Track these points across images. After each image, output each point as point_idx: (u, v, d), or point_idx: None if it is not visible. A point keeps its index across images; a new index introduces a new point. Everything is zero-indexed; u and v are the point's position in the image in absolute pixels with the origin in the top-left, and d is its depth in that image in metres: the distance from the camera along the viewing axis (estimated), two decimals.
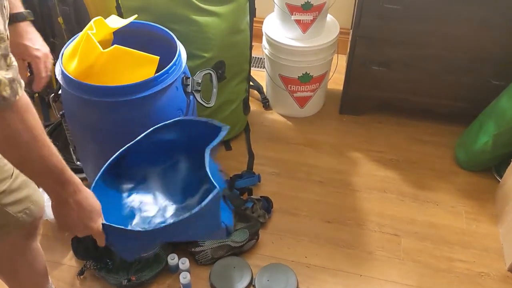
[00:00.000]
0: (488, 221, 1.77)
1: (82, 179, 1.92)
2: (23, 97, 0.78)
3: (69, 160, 1.82)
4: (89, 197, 0.97)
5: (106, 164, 1.18)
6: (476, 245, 1.69)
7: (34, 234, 1.24)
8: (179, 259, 1.57)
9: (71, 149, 1.68)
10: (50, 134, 1.95)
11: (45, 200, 1.57)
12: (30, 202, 1.11)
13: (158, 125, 1.25)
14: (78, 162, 1.70)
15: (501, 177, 1.83)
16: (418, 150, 2.05)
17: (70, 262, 1.63)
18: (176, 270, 1.59)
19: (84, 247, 1.61)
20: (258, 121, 2.19)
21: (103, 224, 1.01)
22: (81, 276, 1.58)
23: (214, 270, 1.58)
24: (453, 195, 1.86)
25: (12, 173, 1.06)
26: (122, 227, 1.04)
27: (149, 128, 1.44)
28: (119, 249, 1.17)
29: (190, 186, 1.21)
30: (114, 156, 1.19)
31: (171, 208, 1.25)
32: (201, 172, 1.17)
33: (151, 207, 1.26)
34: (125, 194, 1.26)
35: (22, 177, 1.10)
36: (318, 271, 1.62)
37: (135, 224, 1.22)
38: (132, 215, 1.23)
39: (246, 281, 1.55)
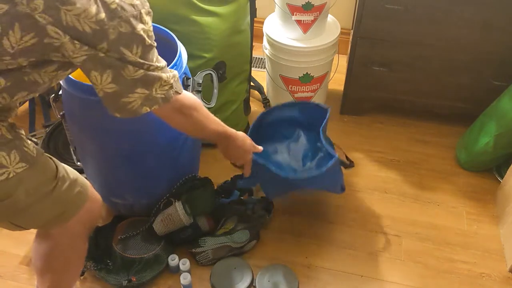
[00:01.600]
0: (489, 222, 1.77)
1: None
2: (191, 95, 1.21)
3: (69, 160, 1.82)
4: (245, 140, 1.45)
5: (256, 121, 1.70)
6: (477, 246, 1.69)
7: (92, 222, 1.29)
8: (179, 259, 1.57)
9: (71, 149, 1.67)
10: (50, 134, 1.95)
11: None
12: (79, 185, 1.20)
13: (280, 104, 1.76)
14: (78, 163, 1.69)
15: (502, 177, 1.83)
16: (419, 150, 2.05)
17: None
18: (176, 270, 1.58)
19: None
20: None
21: (255, 161, 1.52)
22: (81, 277, 1.57)
23: (214, 271, 1.58)
24: (454, 195, 1.86)
25: (56, 165, 1.15)
26: (266, 164, 1.52)
27: (149, 128, 1.44)
28: (263, 185, 1.67)
29: (308, 155, 1.70)
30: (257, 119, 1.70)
31: (297, 169, 1.68)
32: (315, 144, 1.69)
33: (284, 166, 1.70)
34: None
35: (63, 165, 1.17)
36: (319, 272, 1.61)
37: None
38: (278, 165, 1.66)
39: (246, 282, 1.55)
